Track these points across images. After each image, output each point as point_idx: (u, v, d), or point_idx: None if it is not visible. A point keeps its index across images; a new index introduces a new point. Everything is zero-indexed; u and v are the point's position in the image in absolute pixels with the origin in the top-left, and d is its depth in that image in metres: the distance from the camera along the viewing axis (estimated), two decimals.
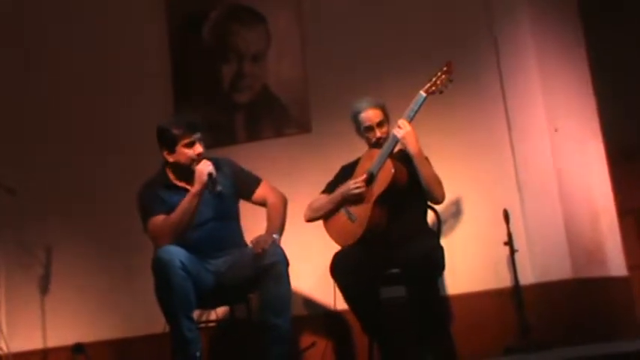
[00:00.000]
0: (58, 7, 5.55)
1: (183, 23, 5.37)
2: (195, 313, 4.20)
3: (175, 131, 4.07)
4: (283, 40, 5.23)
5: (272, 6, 5.27)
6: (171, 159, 4.10)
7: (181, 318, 3.85)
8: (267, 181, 4.27)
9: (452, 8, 4.98)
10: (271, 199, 4.20)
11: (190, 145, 4.06)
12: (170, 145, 4.08)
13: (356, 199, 4.27)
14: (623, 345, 4.09)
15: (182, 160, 4.07)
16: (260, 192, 4.23)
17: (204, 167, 3.99)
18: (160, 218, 4.03)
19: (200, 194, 3.98)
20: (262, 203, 4.23)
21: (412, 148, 4.20)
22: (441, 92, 4.23)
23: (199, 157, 4.05)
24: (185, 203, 3.97)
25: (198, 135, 4.07)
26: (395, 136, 4.23)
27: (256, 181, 4.25)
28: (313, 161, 4.98)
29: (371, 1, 5.10)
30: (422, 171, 4.20)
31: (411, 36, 4.99)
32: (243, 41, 5.29)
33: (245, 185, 4.24)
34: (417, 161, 4.20)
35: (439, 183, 4.25)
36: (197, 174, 3.99)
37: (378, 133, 4.34)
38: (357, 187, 4.26)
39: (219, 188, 4.06)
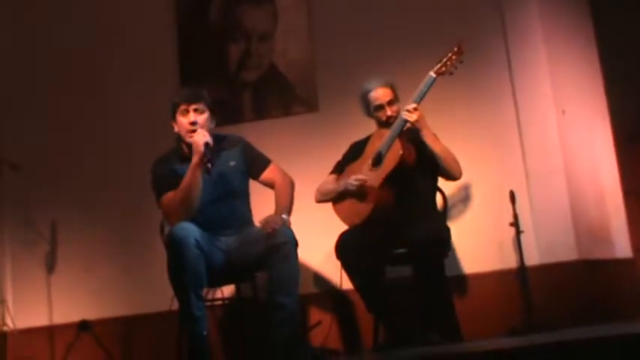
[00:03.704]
0: None
1: (191, 3, 5.35)
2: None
3: (175, 99, 4.12)
4: (290, 18, 5.21)
5: None
6: (176, 128, 4.11)
7: (191, 296, 3.84)
8: (276, 163, 4.26)
9: None
10: (279, 181, 4.19)
11: (185, 112, 4.07)
12: (172, 113, 4.11)
13: (356, 194, 4.27)
14: (627, 326, 4.10)
15: (180, 130, 4.08)
16: (268, 173, 4.22)
17: (200, 138, 3.96)
18: (170, 196, 4.03)
19: (199, 166, 3.95)
20: (269, 185, 4.22)
21: (425, 133, 4.21)
22: (451, 74, 4.23)
23: (193, 127, 4.03)
24: (187, 177, 3.96)
25: (195, 105, 4.07)
26: (405, 120, 4.22)
27: (266, 162, 4.24)
28: (320, 140, 4.98)
29: None
30: (437, 152, 4.22)
31: (418, 14, 4.98)
32: (250, 20, 5.27)
33: (255, 165, 4.23)
34: (431, 144, 4.21)
35: (455, 160, 4.27)
36: (194, 145, 3.97)
37: (389, 112, 4.33)
38: (355, 185, 4.26)
39: (232, 163, 4.08)
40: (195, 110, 4.07)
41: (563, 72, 4.88)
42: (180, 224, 3.88)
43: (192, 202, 3.98)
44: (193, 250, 3.82)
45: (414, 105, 4.21)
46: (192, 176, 3.95)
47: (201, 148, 3.93)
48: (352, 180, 4.29)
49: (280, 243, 3.87)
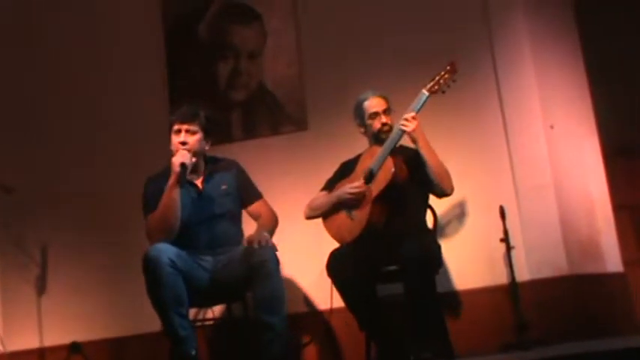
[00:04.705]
0: (55, 6, 5.54)
1: (179, 21, 5.36)
2: (192, 312, 4.19)
3: (171, 117, 4.16)
4: (279, 37, 5.21)
5: (267, 3, 5.26)
6: (171, 147, 4.11)
7: (173, 316, 3.84)
8: (265, 200, 4.29)
9: (448, 6, 4.97)
10: (264, 214, 4.23)
11: (177, 132, 4.08)
12: (169, 131, 4.11)
13: (351, 204, 4.27)
14: (619, 341, 4.11)
15: (173, 148, 4.08)
16: (257, 206, 4.25)
17: (178, 158, 3.98)
18: (153, 215, 4.03)
19: (174, 186, 3.96)
20: (255, 217, 4.25)
21: (421, 142, 4.19)
22: (443, 92, 4.22)
23: (183, 147, 4.03)
24: (164, 198, 3.97)
25: (188, 125, 4.08)
26: (399, 132, 4.21)
27: (257, 196, 4.28)
28: (310, 159, 4.98)
29: None
30: (432, 164, 4.19)
31: (407, 32, 4.98)
32: (239, 39, 5.28)
33: (246, 194, 4.26)
34: (426, 154, 4.19)
35: (448, 175, 4.25)
36: (171, 165, 3.98)
37: (384, 119, 4.32)
38: (353, 192, 4.25)
39: (223, 187, 4.10)
40: (188, 131, 4.08)
41: (551, 86, 4.89)
42: (155, 245, 3.88)
43: (169, 222, 3.98)
44: (167, 269, 3.81)
45: (412, 114, 4.19)
46: (168, 197, 3.96)
47: (177, 169, 3.94)
48: (348, 188, 4.28)
49: (260, 262, 3.86)
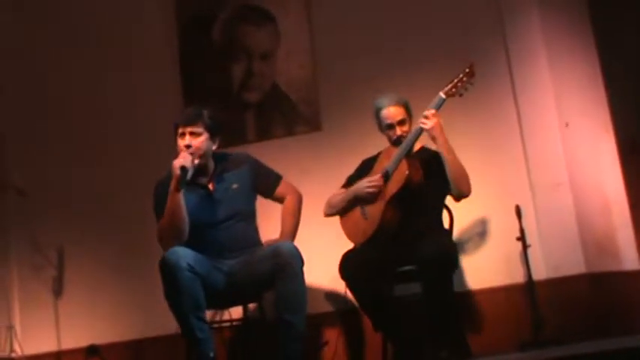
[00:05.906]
0: (67, 7, 5.57)
1: (192, 23, 5.38)
2: (209, 314, 4.20)
3: (176, 121, 4.11)
4: (292, 38, 5.23)
5: (281, 4, 5.27)
6: (178, 150, 4.09)
7: (191, 319, 3.83)
8: (285, 179, 4.28)
9: (461, 6, 4.97)
10: (288, 197, 4.22)
11: (182, 135, 4.05)
12: (175, 134, 4.09)
13: (368, 199, 4.26)
14: (637, 339, 4.09)
15: (179, 151, 4.05)
16: (280, 190, 4.24)
17: (178, 161, 3.92)
18: (161, 222, 4.02)
19: (176, 190, 3.90)
20: (280, 201, 4.25)
21: (441, 140, 4.17)
22: (460, 95, 4.21)
23: (188, 150, 3.99)
24: (168, 203, 3.93)
25: (191, 128, 4.03)
26: (418, 129, 4.19)
27: (277, 180, 4.26)
28: (324, 159, 4.99)
29: None
30: (449, 164, 4.17)
31: (420, 32, 4.99)
32: (252, 40, 5.29)
33: (265, 184, 4.24)
34: (444, 153, 4.16)
35: (465, 176, 4.21)
36: (172, 169, 3.93)
37: (399, 132, 4.30)
38: (370, 187, 4.25)
39: (234, 186, 4.08)
40: (192, 133, 4.04)
41: (566, 85, 4.88)
42: (172, 249, 3.86)
43: (176, 226, 3.94)
44: (186, 273, 3.79)
45: (432, 111, 4.18)
46: (171, 202, 3.92)
47: (177, 172, 3.89)
48: (365, 182, 4.27)
49: (288, 261, 3.86)
